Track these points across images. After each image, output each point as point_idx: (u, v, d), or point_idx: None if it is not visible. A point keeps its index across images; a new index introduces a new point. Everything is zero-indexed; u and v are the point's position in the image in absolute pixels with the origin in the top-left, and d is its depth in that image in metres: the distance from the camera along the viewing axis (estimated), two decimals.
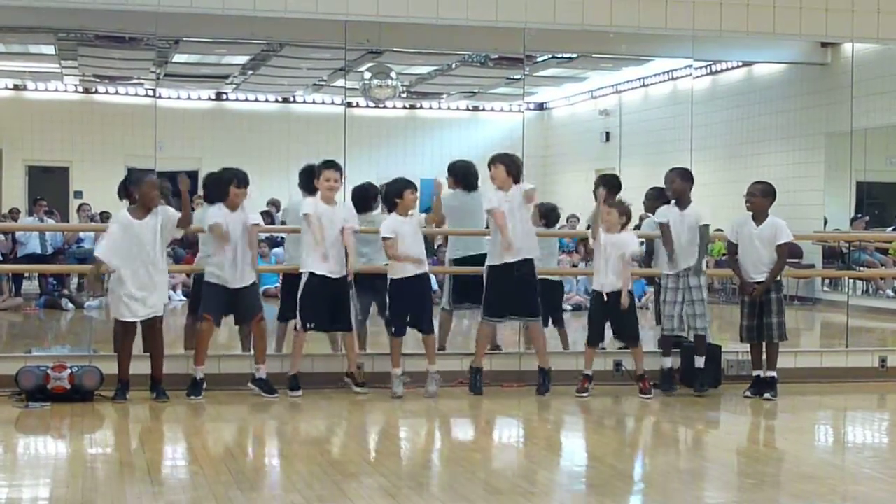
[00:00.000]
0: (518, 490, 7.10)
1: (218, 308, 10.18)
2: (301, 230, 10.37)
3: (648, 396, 10.47)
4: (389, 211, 10.52)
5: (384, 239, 10.27)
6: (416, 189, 10.53)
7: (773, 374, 10.55)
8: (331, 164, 10.40)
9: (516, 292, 10.46)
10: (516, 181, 10.52)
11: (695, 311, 10.59)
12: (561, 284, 12.73)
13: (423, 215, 10.77)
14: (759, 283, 10.43)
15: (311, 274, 10.19)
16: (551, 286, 11.81)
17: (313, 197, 10.38)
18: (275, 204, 18.51)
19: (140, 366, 9.94)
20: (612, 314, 10.53)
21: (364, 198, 11.26)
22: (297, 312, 10.26)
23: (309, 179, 10.86)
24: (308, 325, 10.23)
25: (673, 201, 10.72)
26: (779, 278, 10.54)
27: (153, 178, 10.07)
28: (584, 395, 10.47)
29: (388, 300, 10.46)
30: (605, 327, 10.65)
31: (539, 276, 10.82)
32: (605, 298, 10.49)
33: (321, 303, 10.20)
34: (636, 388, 10.60)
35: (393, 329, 10.37)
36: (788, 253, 10.70)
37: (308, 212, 10.19)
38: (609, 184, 10.93)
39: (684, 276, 10.60)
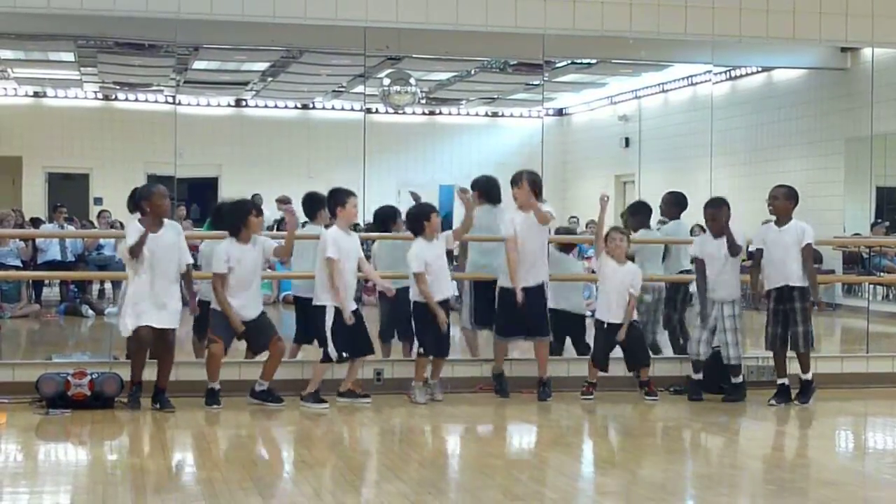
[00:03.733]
0: (537, 496, 7.10)
1: (228, 332, 10.04)
2: (319, 264, 10.09)
3: (655, 398, 10.53)
4: (415, 235, 10.44)
5: (415, 275, 10.21)
6: (439, 213, 10.55)
7: (809, 377, 10.47)
8: (353, 192, 10.29)
9: (526, 314, 10.50)
10: (538, 199, 10.51)
11: (727, 339, 10.54)
12: (583, 318, 11.75)
13: (450, 232, 10.67)
14: (797, 288, 10.33)
15: (336, 307, 10.01)
16: (573, 319, 11.44)
17: (333, 229, 10.14)
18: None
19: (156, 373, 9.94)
20: (616, 343, 10.60)
21: (385, 220, 11.35)
22: (331, 344, 9.98)
23: (314, 207, 10.86)
24: (343, 356, 10.08)
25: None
26: (806, 285, 10.38)
27: (162, 188, 10.02)
28: (590, 397, 10.55)
29: (413, 322, 10.43)
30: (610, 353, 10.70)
31: (559, 309, 11.03)
32: (606, 327, 10.56)
33: (351, 330, 10.03)
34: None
35: (423, 349, 10.34)
36: None
37: (333, 256, 9.93)
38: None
39: (719, 304, 10.54)
